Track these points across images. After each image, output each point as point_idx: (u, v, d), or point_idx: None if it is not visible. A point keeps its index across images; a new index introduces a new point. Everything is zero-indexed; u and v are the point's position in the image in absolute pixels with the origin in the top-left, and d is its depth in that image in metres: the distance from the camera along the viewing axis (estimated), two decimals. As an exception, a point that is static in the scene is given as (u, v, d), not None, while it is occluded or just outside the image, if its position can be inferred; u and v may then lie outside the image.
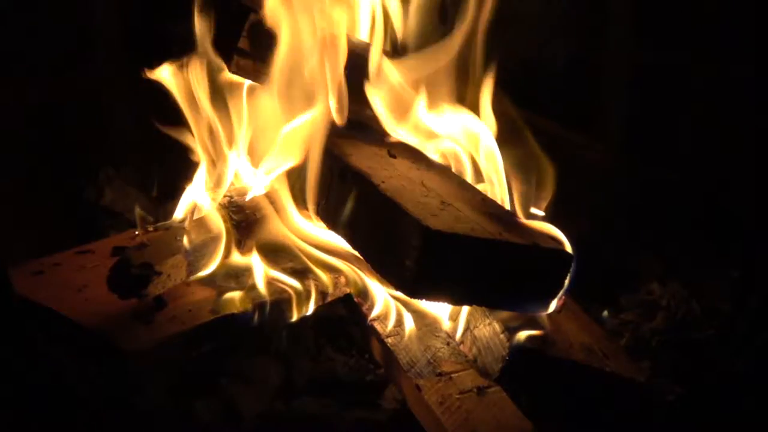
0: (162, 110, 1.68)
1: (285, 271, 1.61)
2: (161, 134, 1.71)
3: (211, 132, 1.70)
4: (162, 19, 2.00)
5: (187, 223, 1.62)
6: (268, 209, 1.65)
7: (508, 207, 1.64)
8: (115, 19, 2.28)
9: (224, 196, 1.67)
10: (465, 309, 1.61)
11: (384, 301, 1.61)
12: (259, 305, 1.53)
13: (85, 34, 2.25)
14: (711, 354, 1.81)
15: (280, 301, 1.57)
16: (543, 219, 1.62)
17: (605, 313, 1.96)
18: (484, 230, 1.42)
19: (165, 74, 1.67)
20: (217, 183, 1.71)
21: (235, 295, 1.55)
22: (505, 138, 1.71)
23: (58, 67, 2.19)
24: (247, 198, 1.67)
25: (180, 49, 1.66)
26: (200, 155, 1.73)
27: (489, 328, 1.56)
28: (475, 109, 1.71)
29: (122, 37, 2.29)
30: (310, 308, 1.60)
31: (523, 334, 1.52)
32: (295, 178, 1.66)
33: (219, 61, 1.65)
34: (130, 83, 1.94)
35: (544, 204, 1.69)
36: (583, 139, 2.20)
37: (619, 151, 2.29)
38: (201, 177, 1.73)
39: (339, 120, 1.62)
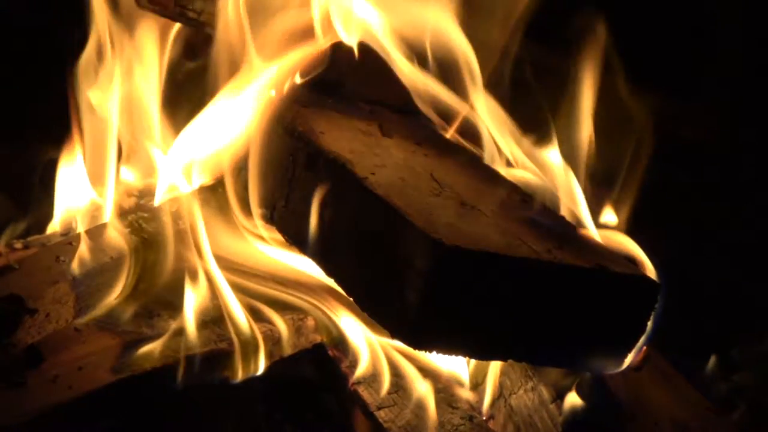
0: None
1: (224, 309, 1.60)
2: (34, 103, 1.73)
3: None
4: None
5: (74, 237, 1.62)
6: (195, 216, 1.65)
7: (579, 212, 1.64)
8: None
9: (131, 197, 1.70)
10: (495, 366, 1.61)
11: (373, 354, 1.61)
12: (186, 360, 1.53)
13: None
14: None
15: (216, 355, 1.56)
16: (616, 229, 1.63)
17: (710, 364, 1.97)
18: (526, 246, 1.39)
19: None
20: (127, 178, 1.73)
21: (149, 345, 1.55)
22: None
23: None
24: (164, 200, 1.68)
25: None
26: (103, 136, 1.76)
27: (533, 394, 1.57)
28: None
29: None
30: (260, 366, 1.60)
31: (583, 405, 1.53)
32: (241, 168, 1.67)
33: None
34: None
35: (624, 207, 1.70)
36: (682, 110, 2.22)
37: (730, 130, 2.31)
38: (99, 168, 1.75)
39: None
